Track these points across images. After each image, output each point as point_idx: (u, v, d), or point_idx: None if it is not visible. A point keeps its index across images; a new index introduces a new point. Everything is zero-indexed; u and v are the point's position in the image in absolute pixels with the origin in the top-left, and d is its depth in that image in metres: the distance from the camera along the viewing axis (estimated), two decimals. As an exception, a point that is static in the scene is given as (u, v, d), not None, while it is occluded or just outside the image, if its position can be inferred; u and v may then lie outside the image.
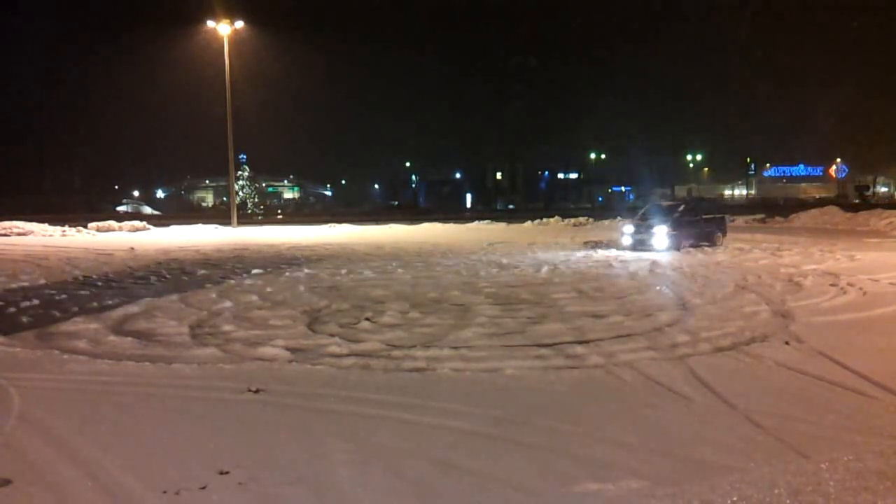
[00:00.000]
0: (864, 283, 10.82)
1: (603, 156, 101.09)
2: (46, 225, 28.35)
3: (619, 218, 30.74)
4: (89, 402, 5.25)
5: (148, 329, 8.12)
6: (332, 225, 35.99)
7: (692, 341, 7.03)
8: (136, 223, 32.66)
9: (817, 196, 75.75)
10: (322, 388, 5.51)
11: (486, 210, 71.65)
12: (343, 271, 13.95)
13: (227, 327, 8.17)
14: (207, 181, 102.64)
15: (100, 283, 12.30)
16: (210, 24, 34.41)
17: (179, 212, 67.44)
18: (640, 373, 5.90)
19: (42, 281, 12.57)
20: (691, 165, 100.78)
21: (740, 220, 31.49)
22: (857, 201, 61.17)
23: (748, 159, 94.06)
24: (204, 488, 3.67)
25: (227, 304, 9.86)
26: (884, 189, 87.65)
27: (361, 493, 3.63)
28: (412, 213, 54.47)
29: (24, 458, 4.12)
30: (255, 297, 10.43)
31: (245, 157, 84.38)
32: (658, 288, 11.04)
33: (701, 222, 18.97)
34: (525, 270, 13.69)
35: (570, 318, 8.48)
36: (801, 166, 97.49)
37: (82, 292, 11.15)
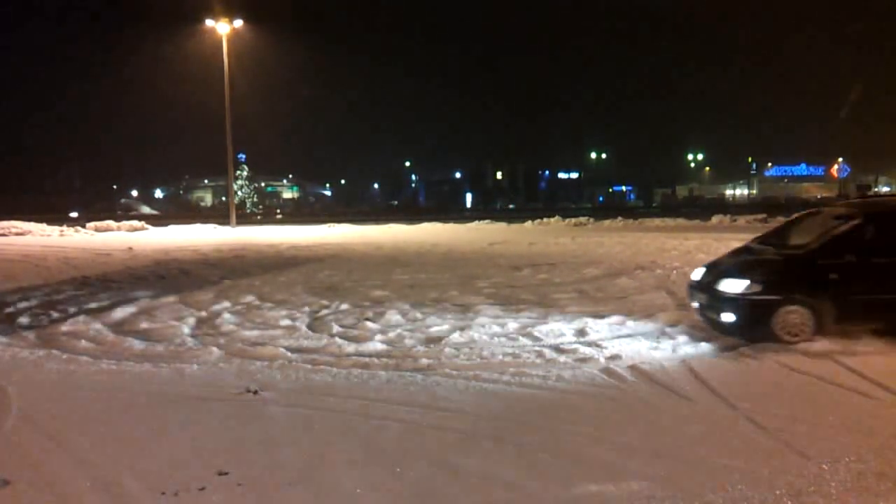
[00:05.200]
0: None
1: (604, 155, 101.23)
2: (44, 225, 28.30)
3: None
4: (89, 402, 5.24)
5: (147, 329, 8.11)
6: (332, 225, 35.96)
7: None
8: (135, 223, 32.59)
9: (819, 196, 75.71)
10: (322, 389, 5.50)
11: (486, 210, 71.60)
12: (343, 271, 13.93)
13: (226, 327, 8.15)
14: (206, 181, 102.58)
15: (98, 284, 12.27)
16: (209, 23, 34.36)
17: (178, 211, 67.39)
18: (640, 373, 5.89)
19: (41, 281, 12.54)
20: (692, 165, 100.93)
21: (742, 220, 31.48)
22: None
23: (749, 159, 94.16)
24: (203, 489, 3.66)
25: (227, 304, 9.84)
26: (886, 189, 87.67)
27: (361, 494, 3.61)
28: (412, 213, 54.41)
29: (23, 458, 4.10)
30: (254, 297, 10.41)
31: (244, 156, 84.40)
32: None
33: None
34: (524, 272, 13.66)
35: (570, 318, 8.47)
36: (803, 166, 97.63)
37: (81, 292, 11.13)
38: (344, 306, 9.60)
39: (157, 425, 4.70)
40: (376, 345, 7.17)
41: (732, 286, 7.13)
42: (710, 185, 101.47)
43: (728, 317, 7.05)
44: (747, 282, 7.06)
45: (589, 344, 7.03)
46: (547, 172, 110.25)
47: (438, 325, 8.13)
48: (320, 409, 5.00)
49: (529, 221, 34.38)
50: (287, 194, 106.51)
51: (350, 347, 7.04)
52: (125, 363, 6.42)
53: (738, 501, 3.46)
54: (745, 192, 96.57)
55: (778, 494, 3.51)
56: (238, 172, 78.84)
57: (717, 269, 7.71)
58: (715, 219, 32.36)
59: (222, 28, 34.21)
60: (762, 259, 7.57)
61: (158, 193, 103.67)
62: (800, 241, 7.52)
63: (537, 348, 6.91)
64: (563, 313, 8.78)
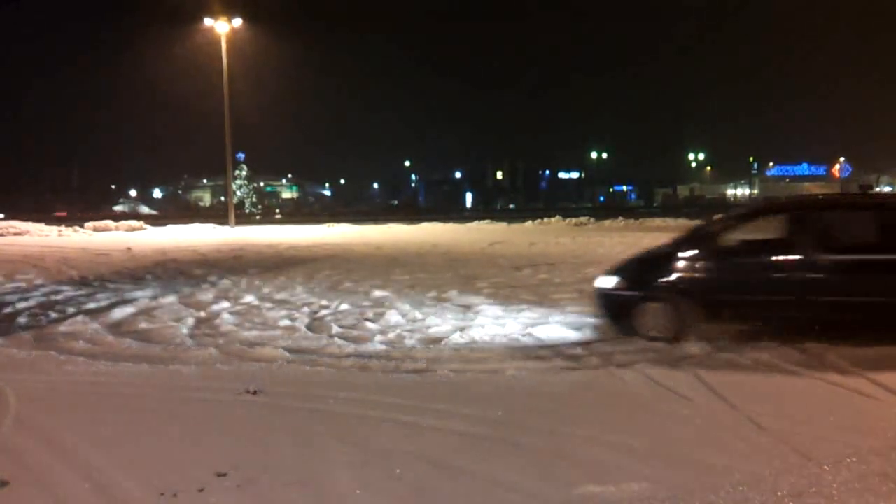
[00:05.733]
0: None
1: (604, 155, 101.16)
2: (43, 224, 28.28)
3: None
4: (87, 403, 5.22)
5: (146, 330, 8.08)
6: (331, 225, 35.92)
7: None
8: (133, 223, 32.57)
9: (820, 196, 75.41)
10: (321, 390, 5.48)
11: (486, 210, 71.58)
12: (342, 271, 13.91)
13: (225, 328, 8.13)
14: (205, 180, 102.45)
15: (97, 284, 12.25)
16: (208, 22, 34.34)
17: (177, 211, 67.35)
18: (641, 374, 5.87)
19: (39, 281, 12.52)
20: (693, 164, 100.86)
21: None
22: None
23: (751, 158, 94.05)
24: (202, 490, 3.64)
25: (226, 304, 9.82)
26: (888, 188, 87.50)
27: (360, 496, 3.60)
28: (412, 213, 54.39)
29: (21, 459, 4.08)
30: (253, 298, 10.39)
31: (243, 156, 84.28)
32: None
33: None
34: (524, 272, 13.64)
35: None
36: (805, 165, 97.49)
37: (79, 293, 11.11)
38: (344, 307, 9.58)
39: (155, 426, 4.68)
40: (376, 345, 7.15)
41: (605, 282, 7.32)
42: (711, 184, 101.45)
43: (601, 311, 7.33)
44: (617, 278, 7.22)
45: (590, 344, 7.01)
46: (547, 172, 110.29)
47: (438, 326, 8.11)
48: (319, 410, 4.97)
49: (530, 221, 34.36)
50: (286, 194, 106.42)
51: (350, 348, 7.02)
52: (123, 364, 6.40)
53: (739, 502, 3.44)
54: (747, 191, 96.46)
55: (779, 495, 3.49)
56: (237, 172, 78.71)
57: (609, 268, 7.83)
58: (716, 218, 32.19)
59: (221, 27, 34.19)
60: (638, 257, 7.71)
61: (157, 193, 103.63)
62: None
63: (538, 349, 6.90)
64: (564, 313, 8.75)
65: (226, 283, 12.17)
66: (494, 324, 8.13)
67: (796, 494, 3.50)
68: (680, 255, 6.98)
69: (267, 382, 5.64)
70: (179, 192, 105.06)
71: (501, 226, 32.97)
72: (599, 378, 5.81)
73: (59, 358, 6.62)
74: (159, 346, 7.18)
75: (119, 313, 9.07)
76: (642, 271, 7.26)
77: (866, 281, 6.41)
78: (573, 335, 7.48)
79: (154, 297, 10.42)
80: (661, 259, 7.19)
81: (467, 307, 9.37)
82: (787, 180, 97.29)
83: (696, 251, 6.93)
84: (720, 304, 6.65)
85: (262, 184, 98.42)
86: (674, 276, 6.88)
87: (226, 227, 32.64)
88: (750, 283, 6.68)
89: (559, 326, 7.90)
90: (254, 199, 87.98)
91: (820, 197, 8.29)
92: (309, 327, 8.18)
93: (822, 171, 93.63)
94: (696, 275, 6.80)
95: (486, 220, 36.28)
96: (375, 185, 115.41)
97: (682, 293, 6.73)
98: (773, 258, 6.71)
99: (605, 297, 7.23)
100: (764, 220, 7.13)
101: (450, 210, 62.79)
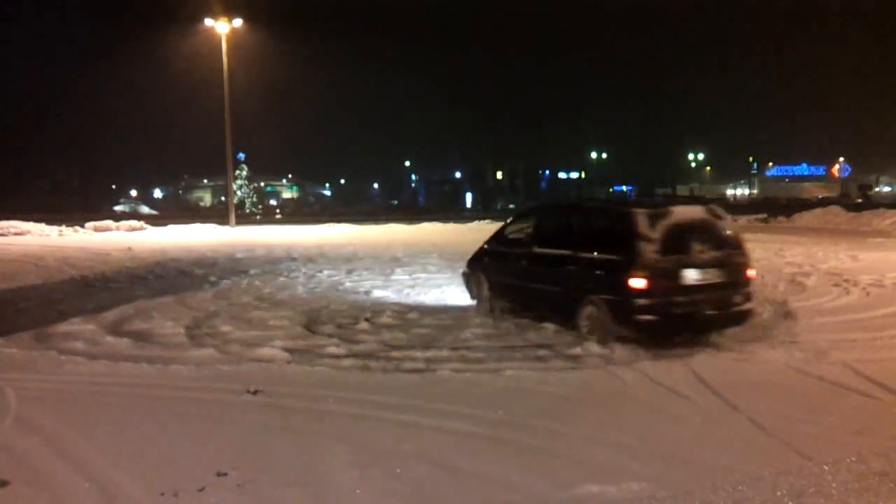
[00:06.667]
0: (867, 284, 10.78)
1: (604, 155, 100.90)
2: (43, 225, 28.20)
3: None
4: (86, 403, 5.22)
5: (145, 330, 8.08)
6: (331, 225, 35.87)
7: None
8: (134, 223, 32.46)
9: (820, 196, 75.37)
10: (320, 390, 5.48)
11: (486, 210, 71.53)
12: (342, 271, 13.91)
13: (224, 328, 8.13)
14: (205, 180, 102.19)
15: (97, 284, 12.25)
16: (208, 22, 34.31)
17: (177, 211, 67.28)
18: (641, 374, 5.86)
19: (39, 281, 12.51)
20: (693, 165, 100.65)
21: (742, 220, 31.37)
22: (859, 201, 60.94)
23: (750, 158, 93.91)
24: (202, 490, 3.64)
25: (225, 304, 9.82)
26: (887, 188, 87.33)
27: (360, 495, 3.60)
28: (412, 213, 54.35)
29: (21, 459, 4.09)
30: (252, 298, 10.39)
31: (244, 155, 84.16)
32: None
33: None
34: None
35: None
36: (804, 165, 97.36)
37: (79, 293, 11.11)
38: (343, 306, 9.58)
39: (154, 426, 4.68)
40: (374, 345, 7.15)
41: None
42: (710, 184, 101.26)
43: (463, 283, 9.65)
44: (468, 260, 9.56)
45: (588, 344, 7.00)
46: (547, 172, 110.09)
47: (437, 325, 8.11)
48: (319, 410, 4.98)
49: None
50: (287, 194, 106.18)
51: (348, 348, 7.02)
52: (122, 364, 6.39)
53: (739, 502, 3.44)
54: (746, 191, 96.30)
55: (779, 495, 3.49)
56: (237, 172, 78.54)
57: None
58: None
59: (221, 27, 34.15)
60: (482, 246, 9.48)
61: (158, 193, 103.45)
62: None
63: (537, 349, 6.90)
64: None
65: (226, 283, 12.17)
66: (492, 324, 8.12)
67: (796, 494, 3.50)
68: (488, 245, 9.20)
69: (266, 382, 5.65)
70: (180, 192, 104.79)
71: (501, 225, 32.92)
72: (599, 377, 5.81)
73: (60, 358, 6.62)
74: (159, 346, 7.18)
75: (119, 313, 9.07)
76: (476, 256, 9.36)
77: (549, 271, 7.78)
78: (573, 335, 7.46)
79: (153, 297, 10.42)
80: (484, 247, 9.28)
81: (468, 307, 9.35)
82: (787, 180, 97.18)
83: (492, 243, 9.12)
84: (495, 284, 8.75)
85: (262, 184, 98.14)
86: (481, 260, 9.20)
87: (226, 228, 32.56)
88: (504, 269, 8.60)
89: (559, 326, 7.89)
90: (254, 199, 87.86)
91: (560, 202, 10.66)
92: (308, 327, 8.18)
93: (821, 171, 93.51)
94: (487, 260, 9.05)
95: (486, 220, 36.24)
96: (375, 185, 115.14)
97: (482, 273, 9.03)
98: (514, 250, 8.54)
99: (463, 274, 9.65)
100: (525, 220, 8.86)
101: (450, 210, 62.73)
